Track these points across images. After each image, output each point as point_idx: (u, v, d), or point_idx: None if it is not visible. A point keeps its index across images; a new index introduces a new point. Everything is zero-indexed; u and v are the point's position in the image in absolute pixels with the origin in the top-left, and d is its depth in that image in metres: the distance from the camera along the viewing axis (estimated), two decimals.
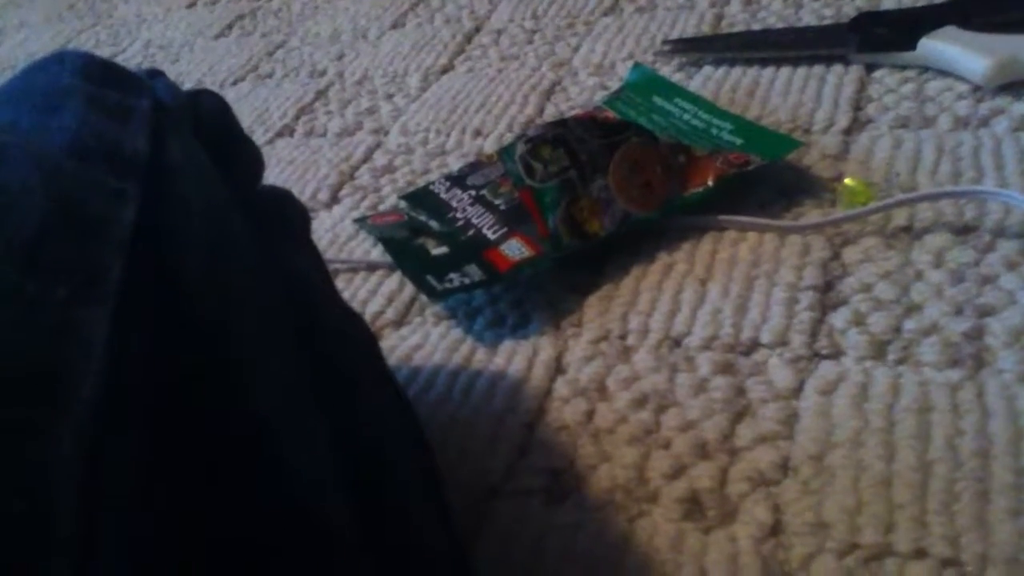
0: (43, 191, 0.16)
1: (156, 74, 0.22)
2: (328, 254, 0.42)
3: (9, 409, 0.14)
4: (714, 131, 0.42)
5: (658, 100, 0.45)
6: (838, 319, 0.32)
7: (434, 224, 0.41)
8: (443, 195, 0.42)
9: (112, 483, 0.15)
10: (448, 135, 0.50)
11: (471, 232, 0.39)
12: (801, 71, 0.47)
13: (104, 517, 0.14)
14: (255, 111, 0.59)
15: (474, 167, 0.44)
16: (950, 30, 0.43)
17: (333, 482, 0.19)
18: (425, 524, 0.22)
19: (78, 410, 0.14)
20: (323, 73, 0.62)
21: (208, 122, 0.22)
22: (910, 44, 0.44)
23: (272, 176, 0.51)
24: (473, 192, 0.41)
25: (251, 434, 0.17)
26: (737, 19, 0.54)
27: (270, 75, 0.64)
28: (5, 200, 0.16)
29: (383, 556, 0.20)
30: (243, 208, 0.20)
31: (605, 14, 0.59)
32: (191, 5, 0.83)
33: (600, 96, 0.49)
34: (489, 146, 0.48)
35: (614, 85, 0.50)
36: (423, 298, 0.38)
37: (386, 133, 0.52)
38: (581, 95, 0.50)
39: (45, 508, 0.13)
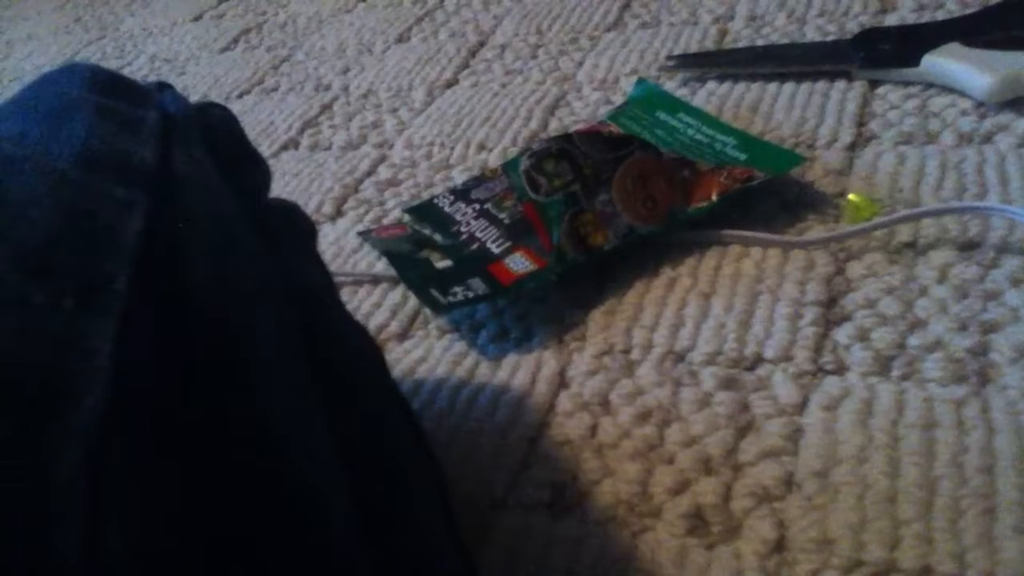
0: (51, 201, 0.17)
1: (164, 86, 0.22)
2: (332, 267, 0.43)
3: (14, 417, 0.14)
4: (718, 146, 0.42)
5: (662, 115, 0.45)
6: (842, 335, 0.32)
7: (438, 237, 0.41)
8: (447, 209, 0.43)
9: (115, 490, 0.15)
10: (452, 149, 0.50)
11: (475, 246, 0.39)
12: (805, 87, 0.47)
13: (107, 523, 0.14)
14: (260, 124, 0.59)
15: (478, 181, 0.44)
16: (953, 46, 0.44)
17: (337, 487, 0.19)
18: (431, 532, 0.22)
19: (82, 419, 0.14)
20: (328, 87, 0.62)
21: (216, 134, 0.22)
22: (914, 60, 0.44)
23: (277, 189, 0.51)
24: (477, 206, 0.41)
25: (255, 438, 0.17)
26: (741, 35, 0.54)
27: (275, 88, 0.64)
28: (13, 210, 0.16)
29: (388, 563, 0.19)
30: (250, 219, 0.20)
31: (609, 29, 0.59)
32: (197, 19, 0.83)
33: (604, 111, 0.49)
34: (493, 160, 0.48)
35: (618, 100, 0.50)
36: (427, 311, 0.38)
37: (391, 147, 0.52)
38: (585, 110, 0.51)
39: (49, 515, 0.13)
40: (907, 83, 0.45)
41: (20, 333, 0.15)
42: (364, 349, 0.24)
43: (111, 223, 0.17)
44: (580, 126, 0.48)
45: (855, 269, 0.34)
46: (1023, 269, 0.32)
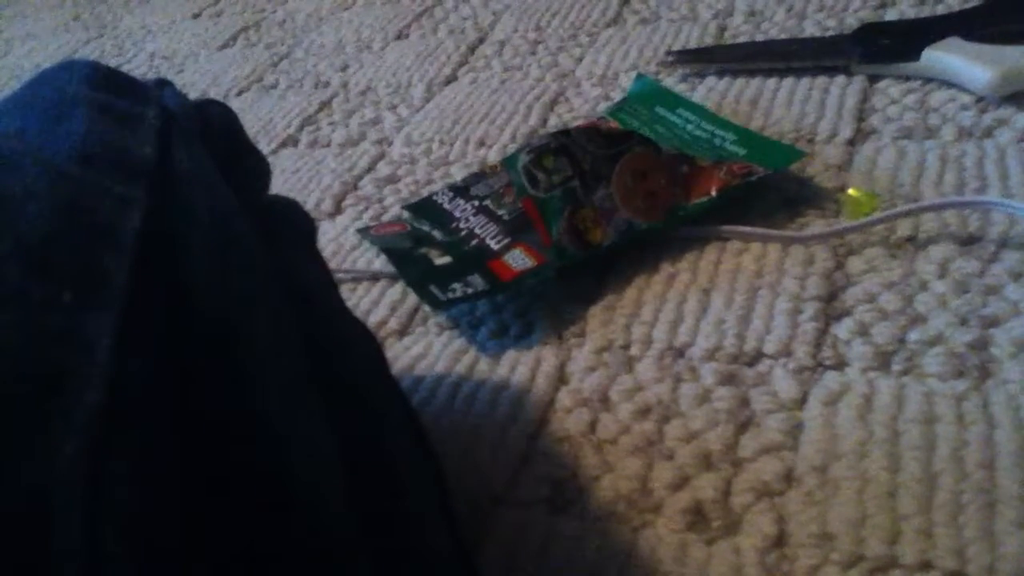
0: (50, 197, 0.17)
1: (163, 83, 0.22)
2: (331, 264, 0.42)
3: (13, 413, 0.14)
4: (717, 141, 0.42)
5: (661, 110, 0.45)
6: (842, 329, 0.32)
7: (437, 234, 0.41)
8: (446, 205, 0.43)
9: (115, 488, 0.15)
10: (451, 145, 0.50)
11: (474, 242, 0.39)
12: (804, 82, 0.47)
13: (107, 521, 0.14)
14: (259, 121, 0.59)
15: (477, 177, 0.44)
16: (953, 41, 0.44)
17: (336, 487, 0.19)
18: (430, 530, 0.22)
19: (82, 414, 0.14)
20: (327, 84, 0.62)
21: (215, 131, 0.22)
22: (914, 55, 0.44)
23: (276, 186, 0.51)
24: (476, 202, 0.41)
25: (255, 437, 0.17)
26: (740, 30, 0.54)
27: (274, 86, 0.64)
28: (12, 206, 0.16)
29: (387, 562, 0.19)
30: (249, 216, 0.20)
31: (608, 25, 0.59)
32: (196, 16, 0.83)
33: (603, 107, 0.49)
34: (492, 156, 0.48)
35: (617, 96, 0.50)
36: (426, 308, 0.38)
37: (390, 143, 0.52)
38: (584, 106, 0.51)
39: (48, 512, 0.13)
40: (907, 78, 0.45)
41: (19, 328, 0.15)
42: (364, 347, 0.24)
43: (110, 219, 0.17)
44: (579, 122, 0.48)
45: (855, 264, 0.34)
46: (1023, 263, 0.32)
